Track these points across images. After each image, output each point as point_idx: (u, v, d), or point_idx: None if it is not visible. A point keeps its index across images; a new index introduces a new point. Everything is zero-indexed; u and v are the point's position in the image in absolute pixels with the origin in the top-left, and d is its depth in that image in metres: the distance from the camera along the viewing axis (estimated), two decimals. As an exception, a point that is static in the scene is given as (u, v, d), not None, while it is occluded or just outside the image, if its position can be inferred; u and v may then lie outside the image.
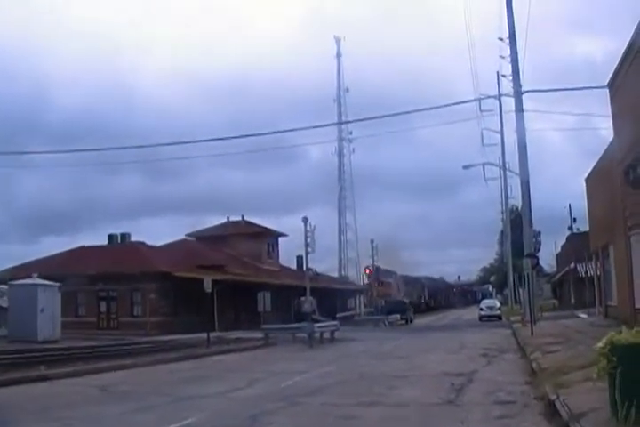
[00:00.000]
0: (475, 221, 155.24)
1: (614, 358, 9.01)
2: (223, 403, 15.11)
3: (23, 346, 33.30)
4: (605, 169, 34.58)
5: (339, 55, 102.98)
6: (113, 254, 54.74)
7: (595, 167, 38.79)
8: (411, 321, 70.06)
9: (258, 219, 76.31)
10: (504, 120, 67.15)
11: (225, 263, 60.55)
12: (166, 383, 19.32)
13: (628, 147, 27.64)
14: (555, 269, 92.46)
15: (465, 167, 59.17)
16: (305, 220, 50.17)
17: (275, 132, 51.93)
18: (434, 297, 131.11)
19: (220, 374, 22.32)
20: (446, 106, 44.03)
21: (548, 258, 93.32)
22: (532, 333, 31.59)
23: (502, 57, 45.54)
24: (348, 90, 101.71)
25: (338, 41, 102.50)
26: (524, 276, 42.19)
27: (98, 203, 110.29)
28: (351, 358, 27.18)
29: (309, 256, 53.29)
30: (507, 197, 74.46)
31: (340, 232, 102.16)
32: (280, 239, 75.68)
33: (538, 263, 41.21)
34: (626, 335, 9.24)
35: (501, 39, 44.88)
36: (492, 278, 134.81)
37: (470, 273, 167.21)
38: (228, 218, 74.47)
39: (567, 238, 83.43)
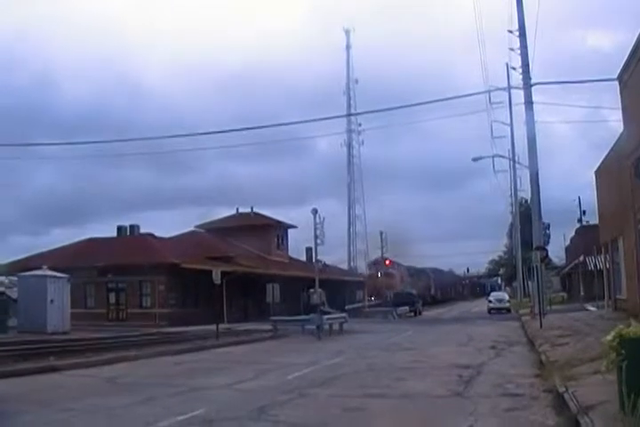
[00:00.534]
0: (484, 213, 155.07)
1: (623, 352, 8.98)
2: (231, 394, 15.11)
3: (32, 337, 33.39)
4: (615, 162, 34.46)
5: (348, 47, 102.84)
6: (122, 246, 54.83)
7: (604, 160, 38.66)
8: (419, 313, 70.13)
9: (267, 211, 76.51)
10: (513, 112, 67.23)
11: (234, 255, 60.60)
12: (174, 375, 19.32)
13: (637, 140, 27.55)
14: (564, 261, 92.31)
15: (474, 159, 59.24)
16: (314, 212, 50.22)
17: (284, 124, 51.91)
18: (441, 289, 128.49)
19: (228, 365, 22.34)
20: (455, 98, 43.93)
21: (557, 251, 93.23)
22: (540, 325, 31.58)
23: (512, 49, 45.38)
24: (357, 81, 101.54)
25: (347, 33, 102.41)
26: (533, 268, 42.10)
27: (107, 195, 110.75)
28: (359, 349, 27.15)
29: (319, 248, 53.34)
30: (516, 190, 74.52)
31: (350, 224, 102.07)
32: (289, 231, 75.79)
33: (547, 256, 41.05)
34: (635, 329, 9.21)
35: (511, 31, 44.74)
36: (501, 271, 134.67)
37: (479, 265, 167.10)
38: (237, 210, 74.61)
39: (576, 231, 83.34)
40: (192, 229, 70.93)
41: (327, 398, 14.06)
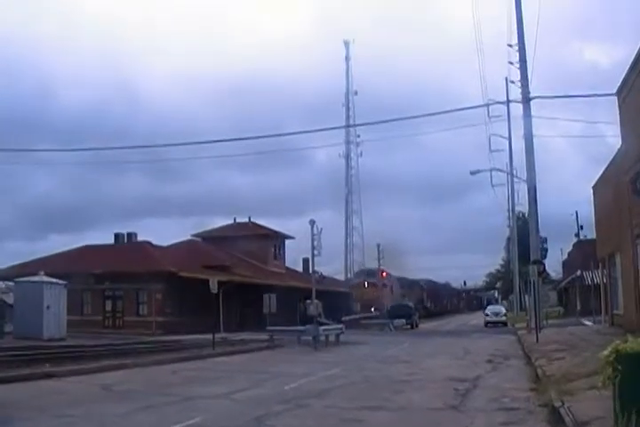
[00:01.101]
0: (481, 226, 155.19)
1: (619, 367, 9.01)
2: (228, 404, 15.12)
3: (28, 343, 33.37)
4: (612, 177, 34.52)
5: (347, 58, 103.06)
6: (119, 254, 54.84)
7: (602, 175, 38.71)
8: (416, 326, 70.06)
9: (265, 221, 76.53)
10: (512, 126, 67.36)
11: (231, 264, 60.64)
12: (171, 383, 19.34)
13: (635, 155, 27.61)
14: (561, 276, 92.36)
15: (472, 173, 59.20)
16: (312, 222, 50.16)
17: (283, 135, 52.21)
18: (435, 302, 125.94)
19: (224, 375, 22.34)
20: (454, 111, 44.06)
21: (554, 265, 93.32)
22: (537, 339, 31.60)
23: (511, 63, 45.55)
24: (356, 93, 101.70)
25: (347, 44, 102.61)
26: (530, 282, 42.12)
27: (104, 202, 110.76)
28: (356, 361, 27.18)
29: (316, 259, 53.31)
30: (514, 204, 74.66)
31: (347, 235, 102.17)
32: (287, 242, 75.81)
33: (544, 270, 41.18)
34: (631, 344, 9.24)
35: (510, 45, 44.91)
36: (498, 284, 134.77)
37: (476, 279, 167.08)
38: (234, 219, 74.59)
39: (574, 246, 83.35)
40: (189, 237, 71.00)
41: (324, 409, 14.07)
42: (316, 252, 50.75)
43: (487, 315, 71.08)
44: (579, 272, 66.56)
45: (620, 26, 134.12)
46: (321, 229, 50.64)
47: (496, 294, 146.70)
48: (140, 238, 61.80)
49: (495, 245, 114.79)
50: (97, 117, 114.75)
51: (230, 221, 75.00)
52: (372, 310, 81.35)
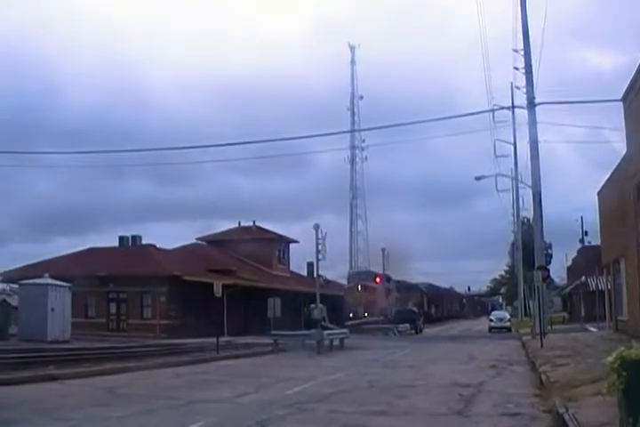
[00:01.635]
0: (486, 231, 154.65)
1: (624, 373, 8.98)
2: (231, 408, 15.11)
3: (33, 345, 33.39)
4: (617, 183, 34.49)
5: (353, 63, 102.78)
6: (124, 256, 54.88)
7: (607, 181, 38.68)
8: (420, 331, 69.97)
9: (269, 225, 76.52)
10: (516, 131, 67.38)
11: (235, 268, 60.63)
12: (174, 387, 19.33)
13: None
14: (565, 281, 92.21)
15: (477, 178, 59.11)
16: (316, 227, 50.05)
17: (288, 139, 51.89)
18: (436, 306, 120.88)
19: (228, 378, 22.33)
20: (459, 116, 44.09)
21: (558, 271, 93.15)
22: (541, 345, 31.53)
23: (516, 68, 45.64)
24: (362, 97, 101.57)
25: (352, 48, 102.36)
26: (535, 288, 42.07)
27: (109, 205, 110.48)
28: (360, 366, 27.13)
29: (320, 263, 53.25)
30: (518, 209, 74.63)
31: (351, 240, 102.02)
32: (291, 246, 75.82)
33: (548, 276, 41.12)
34: (636, 350, 9.21)
35: (516, 51, 44.98)
36: (503, 290, 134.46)
37: (481, 284, 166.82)
38: (239, 223, 74.58)
39: (578, 251, 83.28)
40: (194, 241, 71.04)
41: (327, 414, 14.04)
42: (320, 256, 50.64)
43: (491, 320, 70.93)
44: (583, 278, 66.46)
45: (625, 31, 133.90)
46: (325, 233, 50.54)
47: (500, 300, 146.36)
48: (144, 242, 61.83)
49: (499, 251, 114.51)
50: (101, 120, 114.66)
51: (235, 225, 75.01)
52: (365, 315, 75.87)
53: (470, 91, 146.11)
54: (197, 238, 71.81)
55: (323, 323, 50.98)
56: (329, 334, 38.78)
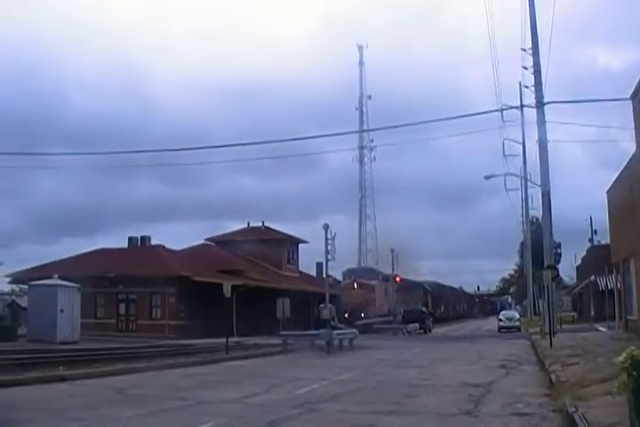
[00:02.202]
0: (495, 231, 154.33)
1: (634, 373, 8.95)
2: (240, 408, 15.09)
3: (42, 346, 33.49)
4: (627, 182, 34.41)
5: (361, 63, 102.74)
6: (133, 257, 54.96)
7: (616, 180, 38.60)
8: (429, 330, 69.95)
9: (278, 225, 76.60)
10: (525, 131, 67.30)
11: (244, 269, 60.67)
12: (183, 387, 19.33)
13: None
14: (575, 281, 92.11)
15: (486, 178, 59.02)
16: (326, 227, 50.00)
17: (296, 139, 51.88)
18: (441, 306, 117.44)
19: (237, 379, 22.32)
20: (468, 116, 44.03)
21: (568, 270, 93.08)
22: (550, 345, 31.45)
23: (525, 68, 45.55)
24: (370, 97, 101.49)
25: (360, 49, 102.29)
26: (544, 287, 42.01)
27: (118, 206, 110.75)
28: (369, 365, 27.12)
29: (329, 263, 53.21)
30: (527, 208, 74.57)
31: (361, 240, 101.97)
32: (300, 246, 75.82)
33: (558, 275, 41.02)
34: (646, 350, 9.17)
35: (524, 50, 44.92)
36: (512, 289, 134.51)
37: (490, 284, 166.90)
38: (248, 224, 74.64)
39: (588, 251, 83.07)
40: (203, 241, 71.10)
41: (337, 414, 14.03)
42: (329, 256, 50.62)
43: (501, 320, 70.81)
44: (593, 277, 66.26)
45: (634, 29, 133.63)
46: (335, 233, 50.52)
47: (510, 299, 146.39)
48: (153, 242, 61.92)
49: (508, 250, 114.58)
50: (109, 121, 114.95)
51: (244, 226, 75.10)
52: (362, 315, 71.68)
53: (479, 90, 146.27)
54: (206, 239, 71.89)
55: (332, 323, 50.97)
56: (338, 334, 38.73)
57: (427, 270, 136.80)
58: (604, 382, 14.01)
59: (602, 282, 61.90)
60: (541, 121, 42.19)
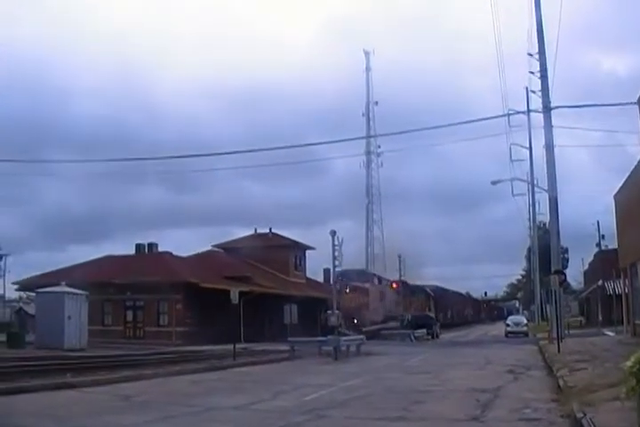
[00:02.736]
0: (502, 236, 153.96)
1: (643, 378, 8.91)
2: (248, 415, 15.08)
3: (49, 353, 33.49)
4: (634, 186, 34.37)
5: (368, 69, 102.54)
6: (140, 264, 54.93)
7: (623, 184, 38.57)
8: (437, 336, 69.83)
9: (285, 231, 76.50)
10: (532, 136, 67.24)
11: (252, 275, 60.61)
12: (191, 394, 19.32)
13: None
14: (582, 286, 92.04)
15: (493, 183, 59.10)
16: (333, 233, 50.00)
17: (304, 145, 51.99)
18: (447, 311, 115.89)
19: (245, 385, 22.32)
20: (475, 121, 44.02)
21: (575, 275, 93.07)
22: (558, 350, 31.39)
23: (532, 72, 45.53)
24: (377, 103, 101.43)
25: (367, 54, 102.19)
26: (551, 292, 41.96)
27: (125, 213, 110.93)
28: (377, 371, 27.09)
29: (337, 269, 53.18)
30: (535, 213, 74.43)
31: (368, 245, 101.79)
32: (307, 252, 75.78)
33: (565, 280, 40.98)
34: (655, 355, 9.14)
35: (531, 55, 44.91)
36: (519, 294, 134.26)
37: (497, 289, 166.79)
38: (255, 230, 74.65)
39: (595, 255, 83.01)
40: (210, 248, 71.14)
41: (344, 420, 14.02)
42: (336, 262, 50.61)
43: (508, 325, 70.75)
44: (600, 282, 66.23)
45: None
46: (342, 239, 50.49)
47: (517, 304, 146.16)
48: (160, 249, 61.95)
49: (516, 256, 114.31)
50: (115, 127, 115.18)
51: (251, 232, 75.11)
52: (355, 321, 67.46)
53: (485, 95, 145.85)
54: (213, 245, 71.96)
55: (339, 329, 50.93)
56: (345, 340, 38.70)
57: (434, 276, 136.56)
58: (613, 388, 13.96)
59: (609, 287, 61.89)
60: (548, 126, 42.16)
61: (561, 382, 18.43)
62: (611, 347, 31.43)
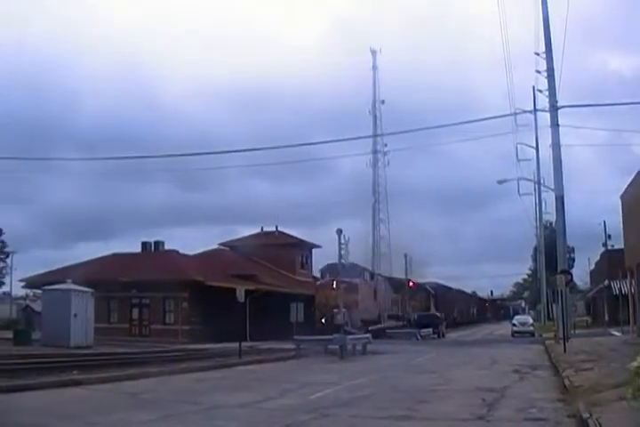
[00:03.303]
0: (508, 236, 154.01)
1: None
2: (254, 413, 15.09)
3: (56, 350, 33.54)
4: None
5: (374, 67, 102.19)
6: (146, 262, 54.99)
7: (630, 184, 38.52)
8: (443, 335, 69.76)
9: (291, 230, 76.53)
10: (538, 135, 67.08)
11: (258, 273, 60.65)
12: (197, 392, 19.33)
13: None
14: (588, 285, 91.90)
15: (500, 182, 59.03)
16: (339, 232, 50.16)
17: (310, 144, 52.01)
18: (448, 310, 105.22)
19: (251, 383, 22.32)
20: (481, 120, 43.94)
21: (581, 275, 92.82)
22: (564, 350, 31.36)
23: (538, 72, 45.37)
24: (383, 102, 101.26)
25: (374, 53, 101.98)
26: (558, 292, 41.91)
27: (131, 211, 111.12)
28: (383, 370, 27.08)
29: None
30: (541, 213, 74.19)
31: (374, 244, 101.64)
32: (313, 250, 75.77)
33: (571, 280, 40.89)
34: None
35: (538, 54, 44.77)
36: (526, 294, 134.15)
37: (503, 288, 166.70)
38: (262, 228, 74.73)
39: (601, 255, 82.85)
40: (216, 246, 71.20)
41: (350, 419, 14.01)
42: (343, 261, 50.69)
43: (514, 325, 70.66)
44: (606, 282, 66.08)
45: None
46: (348, 238, 50.61)
47: (523, 304, 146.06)
48: (166, 247, 61.98)
49: (522, 255, 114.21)
50: (121, 126, 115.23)
51: (257, 230, 75.23)
52: (323, 320, 61.99)
53: (492, 94, 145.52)
54: (220, 244, 72.06)
55: (345, 328, 50.94)
56: (352, 339, 38.70)
57: (440, 275, 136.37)
58: (619, 388, 13.94)
59: (616, 286, 61.77)
60: (555, 125, 42.04)
61: (567, 382, 18.41)
62: (617, 347, 31.39)
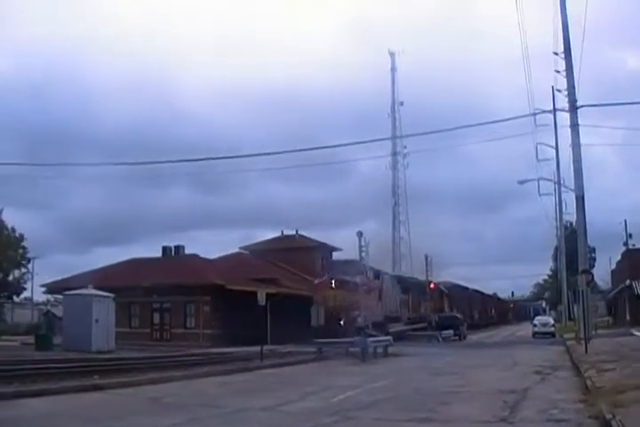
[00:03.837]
0: (528, 236, 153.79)
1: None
2: (276, 416, 15.12)
3: (77, 355, 33.59)
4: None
5: (393, 69, 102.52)
6: (167, 266, 55.05)
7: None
8: (464, 337, 69.53)
9: (311, 233, 76.36)
10: (557, 135, 66.86)
11: (278, 277, 60.58)
12: (218, 396, 19.37)
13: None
14: (610, 285, 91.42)
15: (520, 182, 59.02)
16: (359, 234, 50.13)
17: (330, 147, 51.88)
18: (466, 310, 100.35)
19: (272, 387, 22.34)
20: (501, 121, 43.81)
21: (602, 274, 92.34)
22: (586, 350, 31.26)
23: (557, 71, 45.23)
24: (402, 104, 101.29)
25: (392, 55, 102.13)
26: (579, 292, 41.77)
27: (151, 215, 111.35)
28: (404, 373, 27.08)
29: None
30: (561, 213, 73.92)
31: (394, 246, 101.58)
32: (334, 253, 75.69)
33: (592, 280, 40.78)
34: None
35: (556, 53, 44.64)
36: (546, 295, 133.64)
37: (524, 289, 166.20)
38: (282, 232, 74.70)
39: (622, 255, 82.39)
40: (237, 250, 71.22)
41: (372, 422, 14.04)
42: (363, 262, 50.62)
43: (535, 325, 70.51)
44: (628, 282, 65.75)
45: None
46: (368, 240, 50.54)
47: (544, 305, 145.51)
48: (187, 251, 62.02)
49: (542, 255, 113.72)
50: (140, 131, 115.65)
51: (277, 234, 75.23)
52: (341, 323, 57.79)
53: (510, 94, 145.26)
54: (240, 247, 72.02)
55: (366, 330, 50.85)
56: (372, 342, 38.66)
57: (460, 276, 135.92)
58: (642, 388, 13.91)
59: (637, 286, 61.44)
60: (574, 125, 41.89)
61: (589, 383, 18.35)
62: (639, 347, 31.25)
